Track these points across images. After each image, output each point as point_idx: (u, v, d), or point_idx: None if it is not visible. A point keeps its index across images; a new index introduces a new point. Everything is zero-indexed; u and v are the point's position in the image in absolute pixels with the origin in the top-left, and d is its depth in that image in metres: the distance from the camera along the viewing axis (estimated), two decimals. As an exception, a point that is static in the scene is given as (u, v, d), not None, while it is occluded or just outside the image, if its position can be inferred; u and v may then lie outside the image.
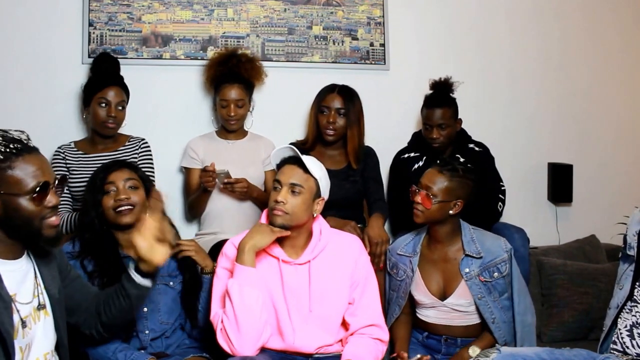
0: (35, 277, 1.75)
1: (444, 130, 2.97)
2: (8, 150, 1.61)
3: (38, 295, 1.74)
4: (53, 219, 1.68)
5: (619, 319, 2.10)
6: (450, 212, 2.38)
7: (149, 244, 1.82)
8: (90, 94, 2.81)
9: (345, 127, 2.97)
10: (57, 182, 1.69)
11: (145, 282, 1.87)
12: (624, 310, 2.10)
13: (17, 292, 1.67)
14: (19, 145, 1.64)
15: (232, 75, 3.00)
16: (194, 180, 2.98)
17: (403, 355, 2.23)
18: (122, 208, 2.17)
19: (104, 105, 2.77)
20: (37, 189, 1.63)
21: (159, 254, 1.83)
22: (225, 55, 3.08)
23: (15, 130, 1.67)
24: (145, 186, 2.27)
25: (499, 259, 2.40)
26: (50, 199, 1.66)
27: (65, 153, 2.82)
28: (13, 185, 1.61)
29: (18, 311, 1.65)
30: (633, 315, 2.08)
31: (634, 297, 2.10)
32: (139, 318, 2.18)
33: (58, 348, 1.80)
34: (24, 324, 1.66)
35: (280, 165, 2.21)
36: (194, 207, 3.01)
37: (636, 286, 2.11)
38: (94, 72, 2.89)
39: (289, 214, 2.11)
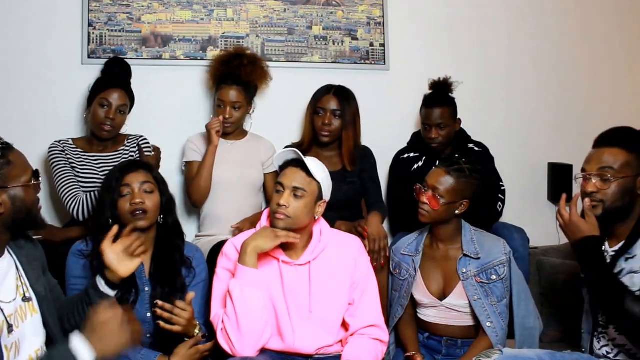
0: (19, 275, 1.79)
1: (442, 130, 2.97)
2: (1, 146, 1.72)
3: (24, 293, 1.78)
4: (40, 205, 1.84)
5: (594, 347, 2.10)
6: (456, 212, 2.38)
7: (117, 256, 1.89)
8: (94, 93, 2.80)
9: (341, 129, 2.97)
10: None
11: (109, 292, 1.90)
12: (594, 338, 2.10)
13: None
14: (5, 143, 1.75)
15: (231, 77, 2.98)
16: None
17: (419, 358, 2.31)
18: (137, 213, 2.17)
19: (105, 106, 2.76)
20: (32, 179, 1.77)
21: (124, 267, 1.90)
22: (230, 55, 3.07)
23: None
24: (160, 188, 2.27)
25: (497, 261, 2.39)
26: (39, 187, 1.82)
27: (64, 147, 2.79)
28: (17, 178, 1.72)
29: (2, 310, 1.68)
30: (604, 345, 2.07)
31: (600, 322, 2.09)
32: (143, 322, 2.16)
33: (49, 344, 1.82)
34: (8, 324, 1.68)
35: (282, 168, 2.20)
36: (198, 182, 2.87)
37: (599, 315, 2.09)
38: (103, 74, 2.89)
39: (291, 217, 2.11)
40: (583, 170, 2.10)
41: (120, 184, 2.21)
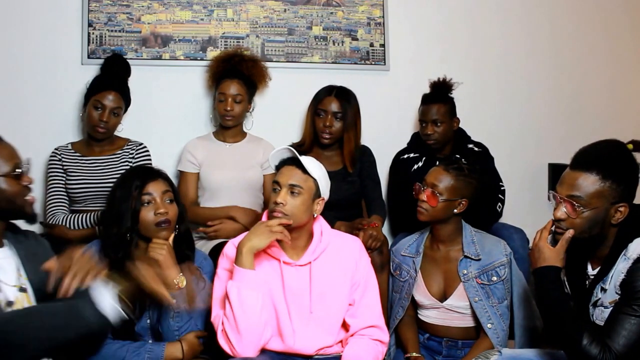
0: (17, 267, 1.81)
1: (438, 127, 2.97)
2: None
3: (21, 284, 1.79)
4: (31, 197, 1.86)
5: None
6: (455, 210, 2.39)
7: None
8: (89, 93, 2.80)
9: (342, 130, 2.97)
10: (27, 163, 1.86)
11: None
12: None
13: (1, 276, 1.75)
14: None
15: (232, 71, 3.00)
16: (191, 185, 2.95)
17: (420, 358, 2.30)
18: (163, 224, 2.11)
19: (98, 108, 2.75)
20: (15, 170, 1.80)
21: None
22: (229, 53, 3.09)
23: None
24: (176, 198, 2.21)
25: (498, 262, 2.39)
26: (27, 179, 1.84)
27: (62, 154, 2.81)
28: None
29: (3, 291, 1.71)
30: None
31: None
32: (142, 331, 2.15)
33: None
34: (10, 303, 1.71)
35: (278, 167, 2.20)
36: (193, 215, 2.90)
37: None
38: (102, 72, 2.88)
39: (289, 215, 2.11)
40: (555, 190, 1.93)
41: (142, 192, 2.12)
